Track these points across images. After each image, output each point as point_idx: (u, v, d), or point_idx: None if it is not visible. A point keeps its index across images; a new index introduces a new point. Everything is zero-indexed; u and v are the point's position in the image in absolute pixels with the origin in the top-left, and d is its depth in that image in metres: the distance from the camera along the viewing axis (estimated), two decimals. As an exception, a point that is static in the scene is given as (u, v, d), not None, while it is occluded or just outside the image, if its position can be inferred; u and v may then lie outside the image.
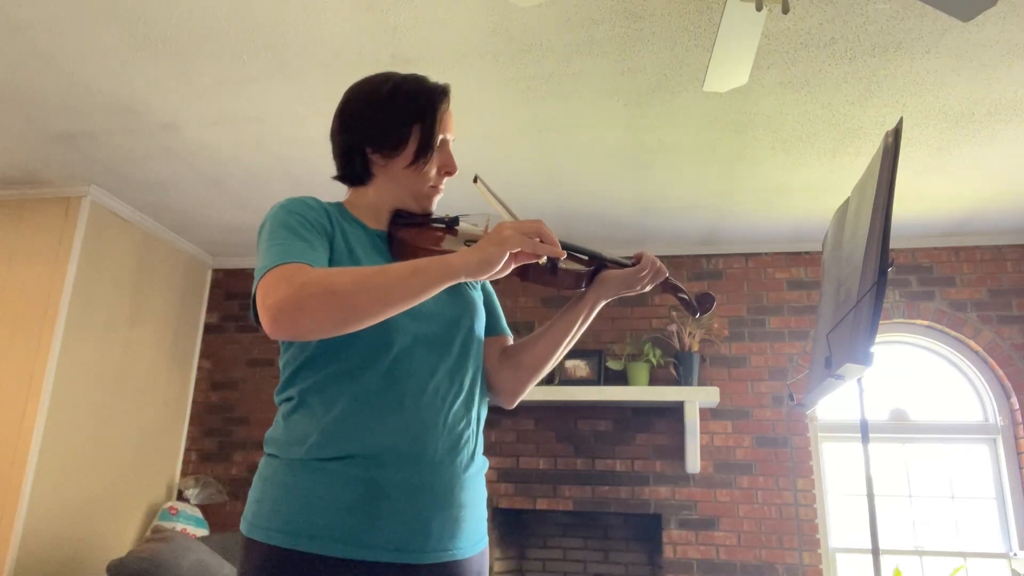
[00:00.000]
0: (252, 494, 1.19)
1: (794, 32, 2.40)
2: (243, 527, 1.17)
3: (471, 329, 1.32)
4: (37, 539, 3.37)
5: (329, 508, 1.13)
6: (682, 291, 1.50)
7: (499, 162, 3.30)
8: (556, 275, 1.33)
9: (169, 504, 4.00)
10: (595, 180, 3.46)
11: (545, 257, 1.16)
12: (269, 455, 1.21)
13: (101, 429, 3.76)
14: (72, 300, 3.59)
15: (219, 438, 4.40)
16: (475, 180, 1.32)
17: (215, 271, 4.71)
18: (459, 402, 1.26)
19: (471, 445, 1.26)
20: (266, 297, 1.07)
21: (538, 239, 1.12)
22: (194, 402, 4.49)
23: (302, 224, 1.19)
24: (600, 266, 1.41)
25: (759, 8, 1.76)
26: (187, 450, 4.41)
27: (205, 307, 4.64)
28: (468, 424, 1.26)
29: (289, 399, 1.23)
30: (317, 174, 3.47)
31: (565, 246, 1.37)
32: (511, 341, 1.47)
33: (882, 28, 2.36)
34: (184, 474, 4.36)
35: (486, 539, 1.30)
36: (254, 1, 2.33)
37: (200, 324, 4.60)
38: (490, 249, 1.10)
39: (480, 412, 1.33)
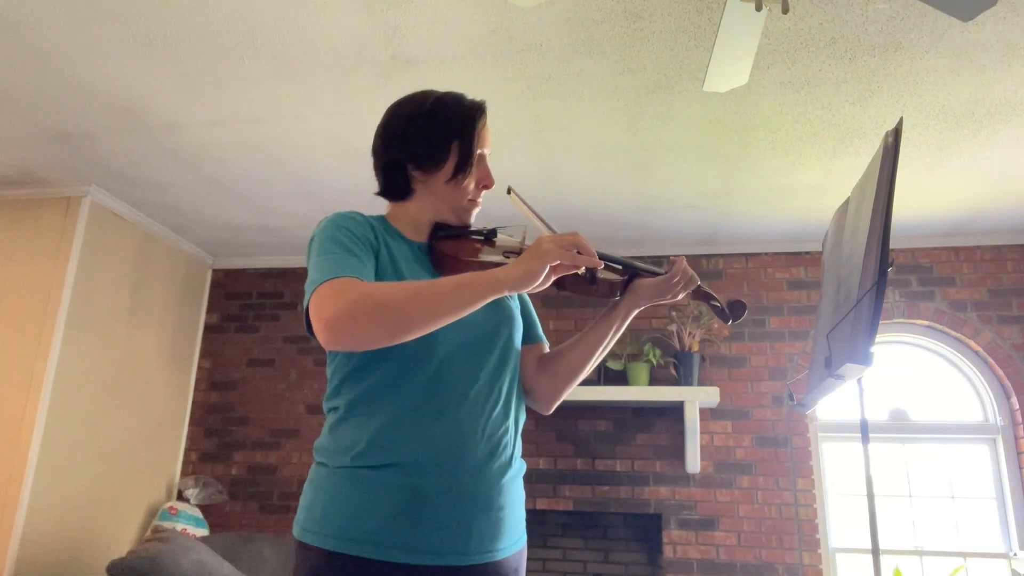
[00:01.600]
0: (303, 500, 1.26)
1: (794, 32, 2.40)
2: (296, 531, 1.24)
3: (510, 338, 1.36)
4: (37, 539, 3.37)
5: (375, 514, 1.18)
6: (714, 299, 1.51)
7: (499, 162, 3.30)
8: (595, 285, 1.37)
9: (169, 504, 4.00)
10: (595, 180, 3.46)
11: (584, 268, 1.19)
12: (318, 463, 1.27)
13: (101, 429, 3.76)
14: (72, 300, 3.58)
15: (219, 438, 4.40)
16: (509, 192, 1.36)
17: (215, 271, 4.71)
18: (498, 409, 1.30)
19: (509, 450, 1.31)
20: (321, 310, 1.14)
21: (576, 251, 1.16)
22: (194, 402, 4.49)
23: (350, 239, 1.25)
24: (634, 275, 1.43)
25: (759, 8, 1.76)
26: (187, 450, 4.41)
27: (205, 307, 4.64)
28: (507, 431, 1.31)
29: (335, 408, 1.29)
30: (317, 174, 3.47)
31: (600, 256, 1.39)
32: (547, 349, 1.51)
33: (882, 28, 2.36)
34: (184, 474, 4.36)
35: (524, 537, 1.34)
36: (254, 1, 2.33)
37: (200, 324, 4.60)
38: (531, 263, 1.15)
39: (518, 418, 1.37)
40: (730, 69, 2.11)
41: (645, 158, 3.24)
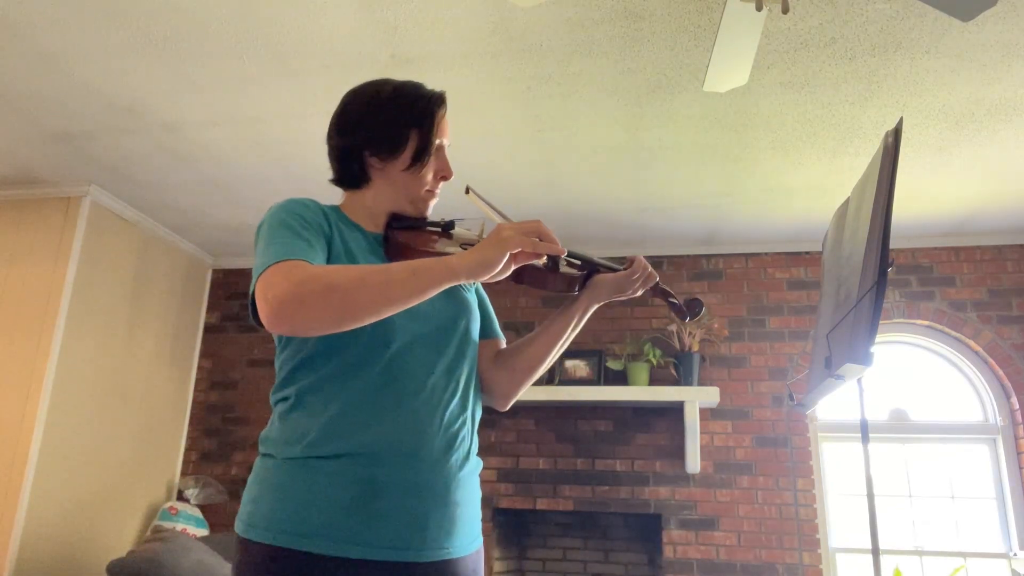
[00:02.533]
0: (247, 494, 1.20)
1: (794, 32, 2.40)
2: (239, 527, 1.18)
3: (467, 330, 1.34)
4: (37, 539, 3.37)
5: (326, 507, 1.14)
6: (672, 296, 1.53)
7: (499, 162, 3.30)
8: (558, 274, 1.35)
9: (169, 504, 4.00)
10: (595, 180, 3.46)
11: (546, 257, 1.14)
12: (264, 455, 1.22)
13: (101, 429, 3.76)
14: (72, 300, 3.58)
15: (219, 438, 4.40)
16: (467, 191, 1.34)
17: (215, 271, 4.71)
18: (455, 401, 1.27)
19: (466, 444, 1.28)
20: (266, 291, 1.08)
21: (537, 238, 1.12)
22: (194, 402, 4.49)
23: (301, 224, 1.21)
24: (592, 270, 1.43)
25: (759, 8, 1.76)
26: (187, 450, 4.41)
27: (205, 307, 4.64)
28: (464, 423, 1.28)
29: (286, 399, 1.24)
30: (317, 174, 3.47)
31: None
32: (504, 344, 1.49)
33: (882, 28, 2.36)
34: (184, 474, 4.36)
35: (481, 539, 1.31)
36: (254, 1, 2.33)
37: (200, 324, 4.60)
38: (489, 251, 1.10)
39: (475, 412, 1.34)
40: (730, 69, 2.11)
41: (645, 158, 3.24)
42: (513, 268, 1.15)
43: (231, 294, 4.65)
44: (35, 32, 2.50)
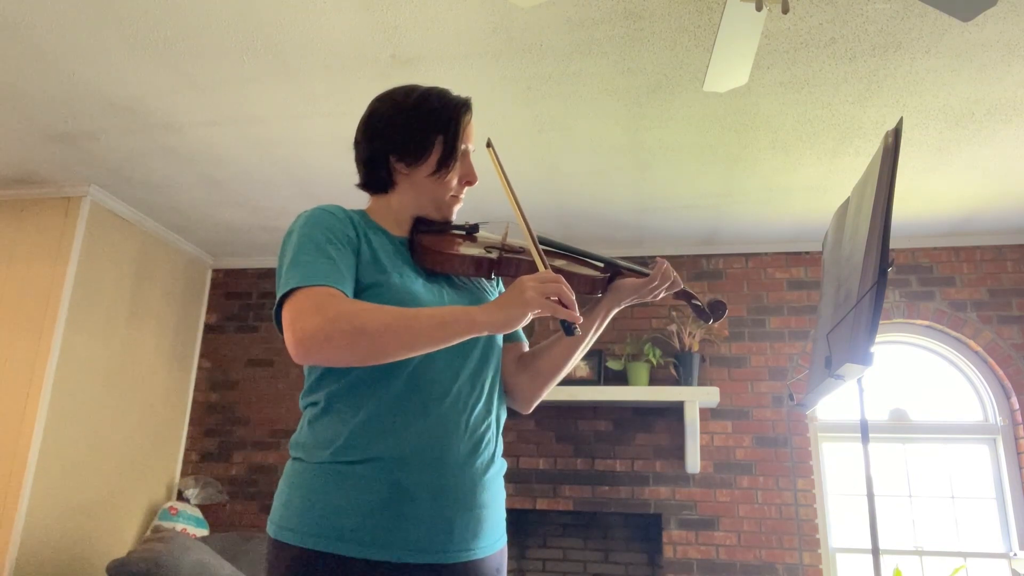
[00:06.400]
0: (278, 497, 1.23)
1: (794, 32, 2.40)
2: (270, 529, 1.21)
3: (491, 335, 1.35)
4: (37, 539, 3.37)
5: (355, 511, 1.16)
6: (695, 298, 1.52)
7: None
8: (581, 277, 1.39)
9: (169, 504, 4.00)
10: (595, 180, 3.46)
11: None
12: (295, 459, 1.25)
13: (101, 429, 3.76)
14: (72, 300, 3.58)
15: (219, 438, 4.40)
16: (488, 145, 1.37)
17: (215, 271, 4.71)
18: (480, 406, 1.29)
19: (492, 447, 1.30)
20: (295, 322, 1.13)
21: (558, 301, 1.16)
22: (194, 402, 4.49)
23: (328, 239, 1.23)
24: (615, 273, 1.44)
25: (759, 8, 1.76)
26: (187, 450, 4.41)
27: (205, 307, 4.64)
28: (489, 427, 1.30)
29: (315, 403, 1.26)
30: (317, 174, 3.47)
31: (581, 252, 1.43)
32: (527, 348, 1.51)
33: (882, 28, 2.36)
34: (184, 474, 4.36)
35: (505, 537, 1.33)
36: (254, 1, 2.33)
37: (200, 324, 4.60)
38: (512, 310, 1.15)
39: (500, 415, 1.36)
40: (730, 69, 2.11)
41: (645, 158, 3.24)
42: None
43: (231, 294, 4.65)
44: (35, 32, 2.50)
